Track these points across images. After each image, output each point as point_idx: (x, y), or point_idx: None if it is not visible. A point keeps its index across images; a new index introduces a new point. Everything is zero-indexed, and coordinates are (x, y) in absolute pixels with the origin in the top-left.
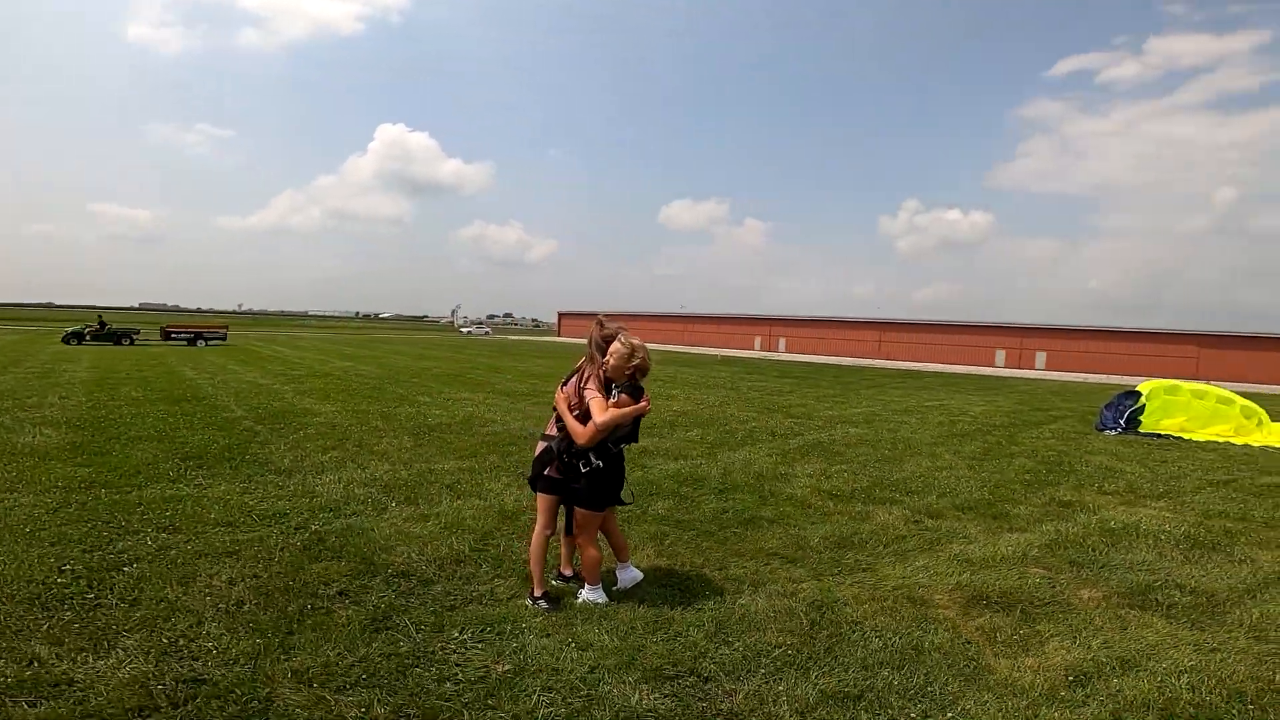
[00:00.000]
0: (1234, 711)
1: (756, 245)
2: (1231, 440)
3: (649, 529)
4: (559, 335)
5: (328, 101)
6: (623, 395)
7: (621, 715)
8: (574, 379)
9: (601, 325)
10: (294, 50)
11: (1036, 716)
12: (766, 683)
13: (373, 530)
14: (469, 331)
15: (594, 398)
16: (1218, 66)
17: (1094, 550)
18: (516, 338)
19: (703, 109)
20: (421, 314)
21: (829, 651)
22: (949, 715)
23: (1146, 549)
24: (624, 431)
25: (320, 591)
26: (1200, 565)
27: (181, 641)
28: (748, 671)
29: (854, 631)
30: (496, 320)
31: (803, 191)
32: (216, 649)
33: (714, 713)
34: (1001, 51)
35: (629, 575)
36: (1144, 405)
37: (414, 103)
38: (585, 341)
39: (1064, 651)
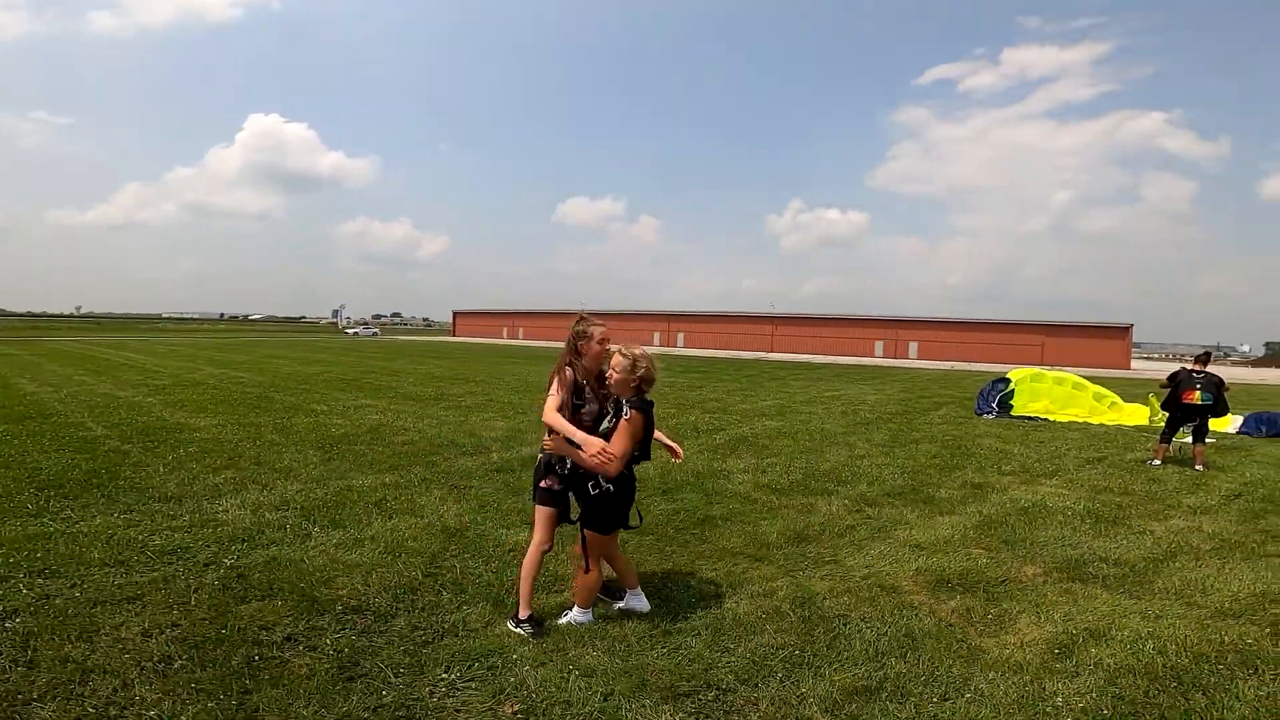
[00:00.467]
0: (1205, 671)
1: (651, 242)
2: (1088, 420)
3: None
4: (454, 335)
5: (190, 90)
6: (634, 413)
7: None
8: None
9: (582, 320)
10: (151, 36)
11: (1044, 690)
12: (785, 686)
13: (302, 561)
14: (355, 333)
15: (620, 430)
16: (1061, 77)
17: (1017, 529)
18: (408, 338)
19: (599, 108)
20: (298, 315)
21: (831, 647)
22: (967, 697)
23: (1060, 525)
24: (635, 451)
25: (263, 638)
26: (1110, 539)
27: (113, 711)
28: (762, 677)
29: (845, 625)
30: (384, 320)
31: (695, 190)
32: (161, 718)
33: None
34: (881, 59)
35: (639, 603)
36: (1013, 390)
37: (292, 93)
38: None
39: (1035, 627)
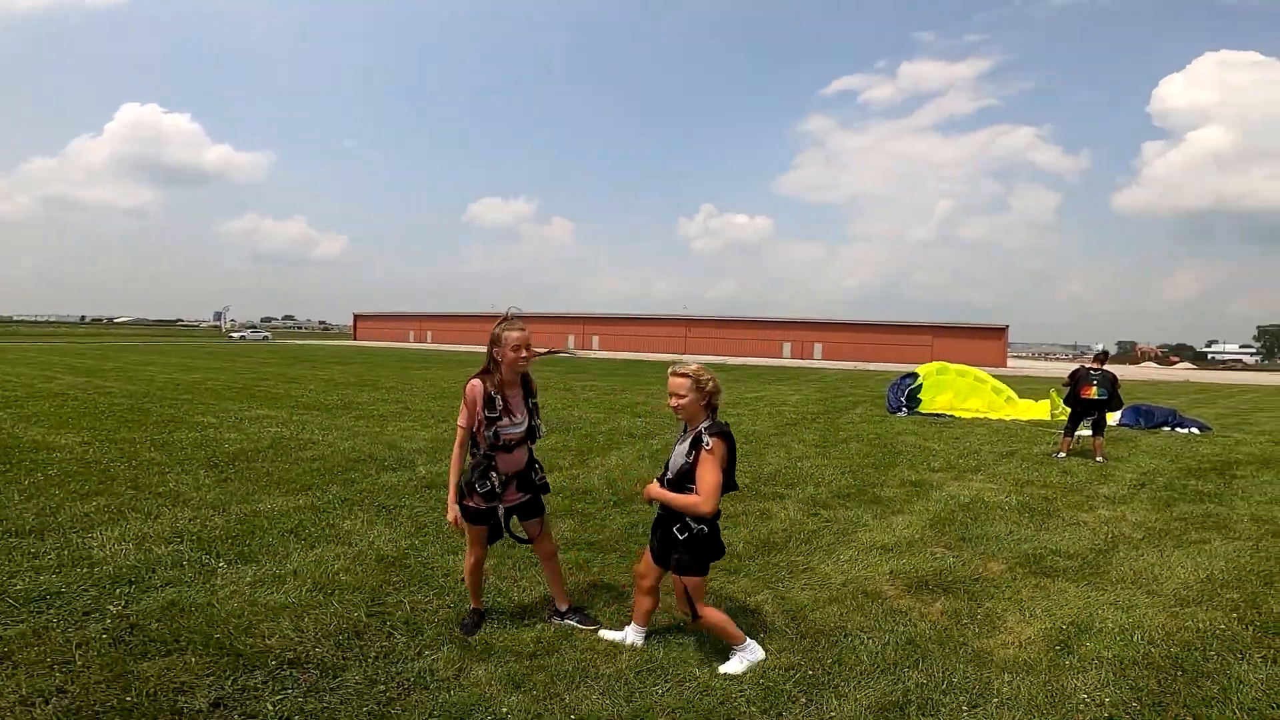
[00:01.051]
0: (1200, 659)
1: (564, 244)
2: (988, 415)
3: (567, 557)
4: (356, 339)
5: (57, 77)
6: (715, 441)
7: None
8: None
9: (503, 322)
10: (11, 19)
11: (1064, 688)
12: (809, 710)
13: (211, 605)
14: (241, 336)
15: (706, 464)
16: (948, 91)
17: (966, 525)
18: (304, 343)
19: (512, 108)
20: (174, 317)
21: (839, 662)
22: (995, 702)
23: (1002, 520)
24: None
25: (183, 705)
26: (1051, 531)
27: None
28: (783, 703)
29: (845, 637)
30: (274, 324)
31: (609, 193)
32: None
33: None
34: (792, 68)
35: (638, 638)
36: (921, 384)
37: (178, 83)
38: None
39: (1025, 625)
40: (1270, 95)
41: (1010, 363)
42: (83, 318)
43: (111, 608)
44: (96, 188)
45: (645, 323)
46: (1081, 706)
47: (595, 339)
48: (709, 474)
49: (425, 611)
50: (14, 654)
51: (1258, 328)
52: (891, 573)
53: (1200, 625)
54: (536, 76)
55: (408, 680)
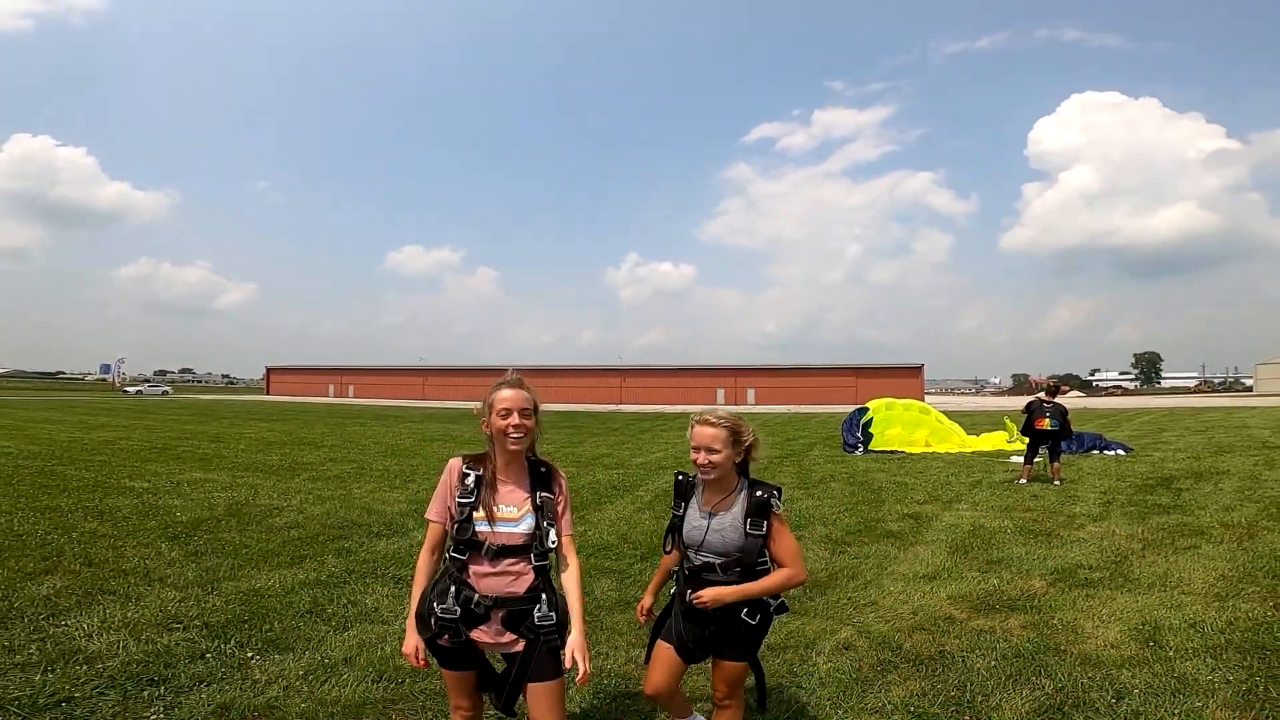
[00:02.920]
0: (1268, 639)
1: (488, 293)
2: (936, 448)
3: (622, 618)
4: (268, 394)
5: None
6: (780, 504)
7: None
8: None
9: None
10: None
11: (1183, 674)
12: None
13: (275, 707)
14: (138, 391)
15: (783, 530)
16: (857, 138)
17: (985, 549)
18: (212, 398)
19: (436, 155)
20: (55, 369)
21: (968, 681)
22: (1137, 694)
23: (1013, 543)
24: None
25: None
26: (1062, 548)
27: None
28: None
29: (953, 658)
30: (171, 377)
31: (535, 242)
32: None
33: None
34: (715, 116)
35: None
36: (872, 418)
37: (75, 115)
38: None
39: (1104, 629)
40: (1129, 134)
41: (926, 399)
42: None
43: (149, 715)
44: None
45: (579, 373)
46: (1210, 687)
47: None
48: (790, 540)
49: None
50: None
51: (1134, 355)
52: (950, 598)
53: (1249, 615)
54: (458, 124)
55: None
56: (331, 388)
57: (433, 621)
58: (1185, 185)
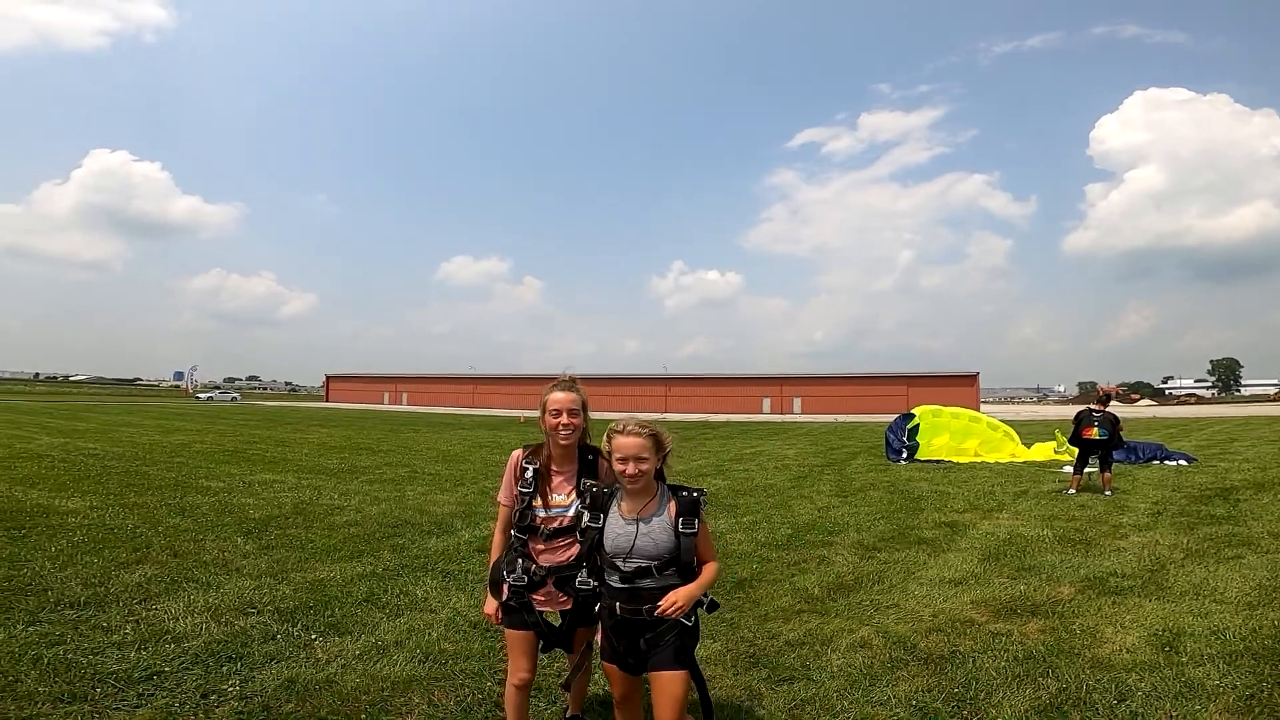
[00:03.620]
0: None
1: (534, 303)
2: (985, 458)
3: None
4: (328, 400)
5: (22, 119)
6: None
7: None
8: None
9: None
10: None
11: (1190, 679)
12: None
13: (333, 681)
14: (210, 398)
15: (704, 526)
16: (905, 141)
17: (1017, 558)
18: (276, 404)
19: (485, 167)
20: (132, 376)
21: (974, 680)
22: (1140, 696)
23: (1048, 551)
24: None
25: None
26: (1099, 557)
27: None
28: (943, 717)
29: (963, 658)
30: (239, 384)
31: (581, 252)
32: None
33: None
34: (758, 121)
35: None
36: (918, 425)
37: (149, 130)
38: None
39: (1124, 634)
40: (1198, 132)
41: (983, 408)
42: (36, 374)
43: (228, 688)
44: (58, 237)
45: (626, 382)
46: (1215, 692)
47: None
48: (709, 536)
49: (550, 675)
50: None
51: (1211, 361)
52: (973, 602)
53: (1274, 622)
54: (511, 135)
55: None
56: (386, 395)
57: (505, 588)
58: (1259, 183)
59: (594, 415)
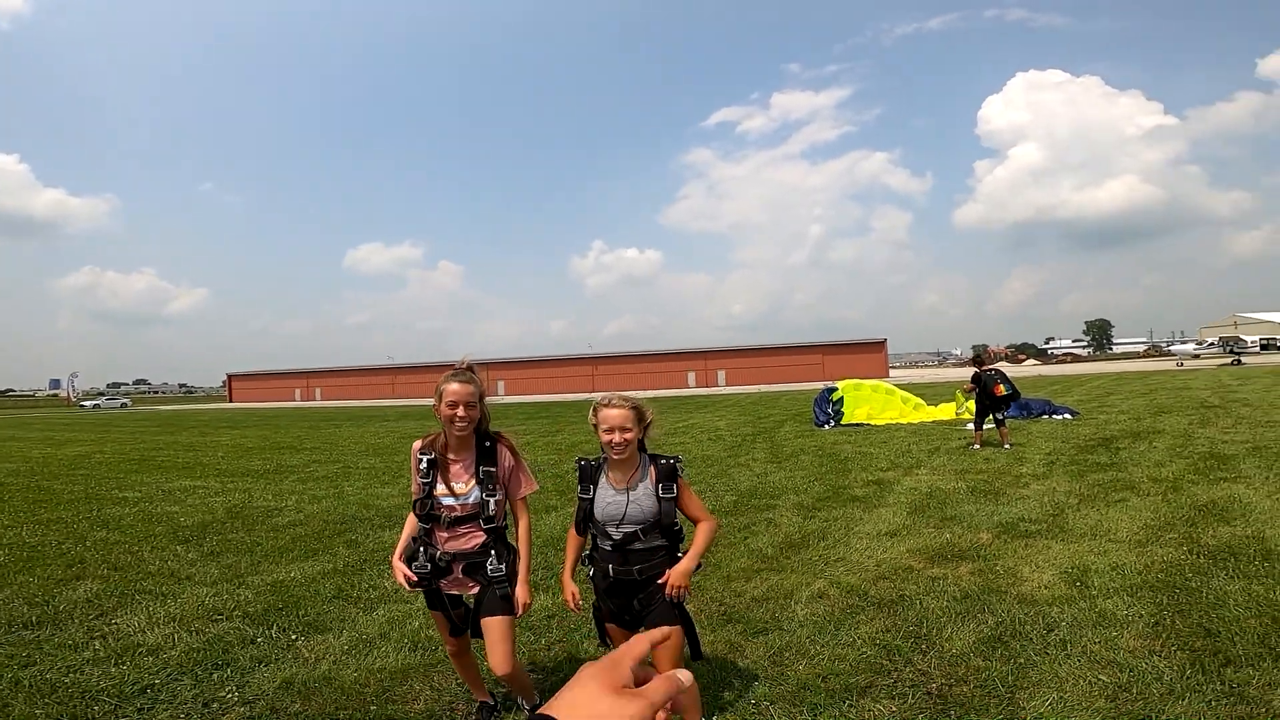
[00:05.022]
0: (1178, 580)
1: (455, 289)
2: (902, 421)
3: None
4: (231, 401)
5: None
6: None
7: None
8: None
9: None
10: None
11: (1103, 610)
12: (929, 654)
13: (330, 678)
14: (95, 405)
15: (687, 489)
16: (814, 119)
17: (941, 509)
18: (173, 408)
19: (389, 149)
20: (3, 388)
21: (923, 619)
22: (1065, 625)
23: (964, 502)
24: None
25: None
26: (1007, 505)
27: None
28: (904, 652)
29: (909, 601)
30: (126, 389)
31: (498, 235)
32: None
33: None
34: (675, 101)
35: None
36: (842, 398)
37: (3, 120)
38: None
39: (1039, 573)
40: (1072, 111)
41: (891, 374)
42: None
43: (226, 694)
44: None
45: (551, 364)
46: (1125, 621)
47: (500, 384)
48: (695, 496)
49: (550, 653)
50: None
51: (1085, 323)
52: (909, 551)
53: (1164, 558)
54: (411, 115)
55: None
56: (298, 391)
57: (405, 574)
58: (1127, 160)
59: (523, 399)
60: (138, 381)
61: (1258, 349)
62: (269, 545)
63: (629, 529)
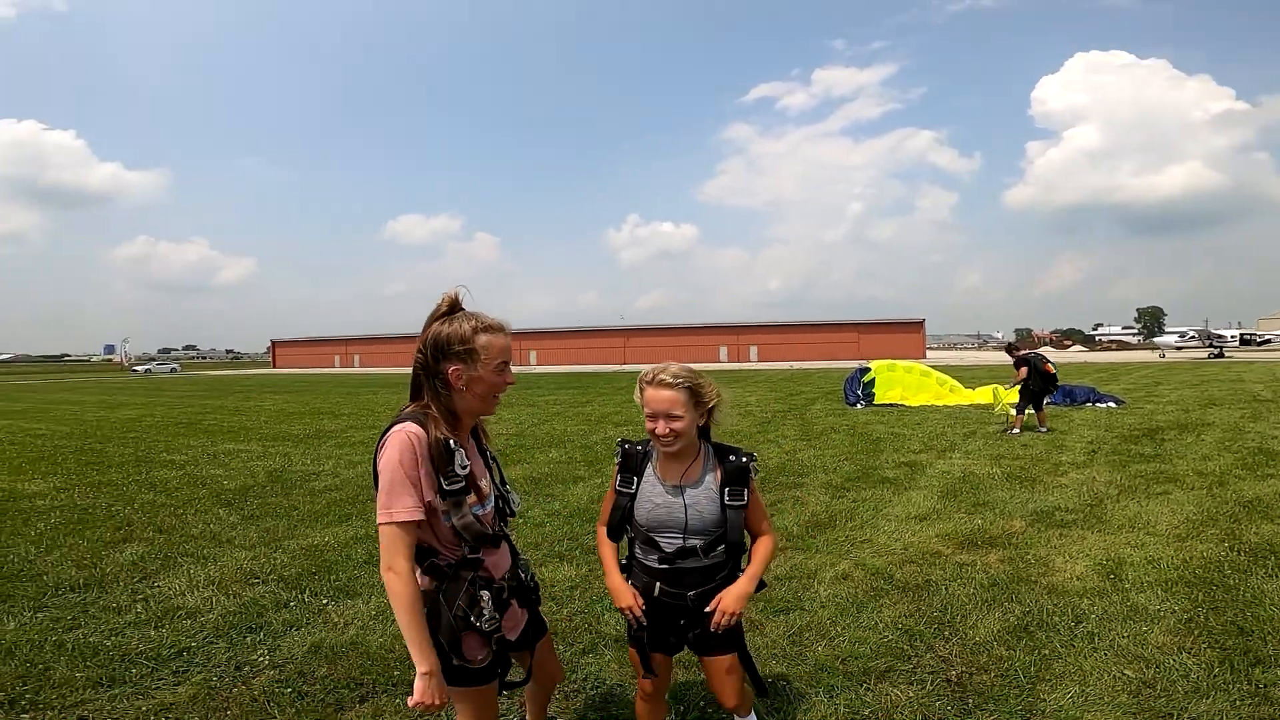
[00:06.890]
0: (1216, 576)
1: (489, 259)
2: (936, 404)
3: None
4: (275, 367)
5: None
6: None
7: None
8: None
9: (449, 317)
10: None
11: (1135, 604)
12: (951, 641)
13: (358, 643)
14: (147, 370)
15: (756, 495)
16: (857, 96)
17: (974, 494)
18: (219, 373)
19: (430, 123)
20: (59, 352)
21: (949, 605)
22: (1094, 618)
23: (999, 488)
24: None
25: None
26: (1044, 493)
27: None
28: (926, 638)
29: (936, 587)
30: (175, 354)
31: (535, 207)
32: None
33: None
34: (714, 76)
35: None
36: (874, 379)
37: (60, 99)
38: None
39: (1072, 564)
40: (1136, 94)
41: (928, 354)
42: None
43: (258, 658)
44: None
45: (582, 335)
46: (1157, 616)
47: (533, 354)
48: (762, 502)
49: (573, 622)
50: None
51: (1137, 310)
52: (938, 536)
53: (1203, 554)
54: (454, 91)
55: (602, 681)
56: (338, 358)
57: (477, 633)
58: (1192, 145)
59: (553, 369)
60: (187, 347)
61: (1237, 343)
62: (305, 509)
63: (688, 542)
